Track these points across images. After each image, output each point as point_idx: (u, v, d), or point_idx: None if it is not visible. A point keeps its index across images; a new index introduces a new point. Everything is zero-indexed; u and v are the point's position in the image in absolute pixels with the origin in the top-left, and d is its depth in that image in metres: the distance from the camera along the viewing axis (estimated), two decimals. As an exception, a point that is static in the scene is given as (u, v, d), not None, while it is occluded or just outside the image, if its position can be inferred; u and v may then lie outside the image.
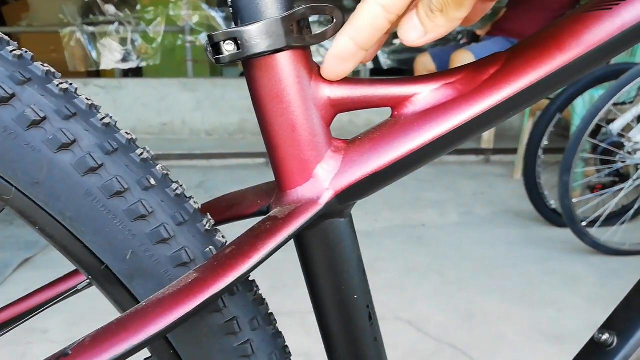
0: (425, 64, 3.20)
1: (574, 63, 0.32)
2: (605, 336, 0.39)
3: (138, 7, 3.94)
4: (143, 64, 3.86)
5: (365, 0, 0.29)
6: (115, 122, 0.34)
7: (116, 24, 3.79)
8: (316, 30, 0.32)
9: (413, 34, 0.30)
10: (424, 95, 0.33)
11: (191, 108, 3.81)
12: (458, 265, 1.92)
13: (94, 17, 3.92)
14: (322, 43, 0.35)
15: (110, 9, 3.95)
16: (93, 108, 0.33)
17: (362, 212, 2.42)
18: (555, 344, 1.45)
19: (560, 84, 0.32)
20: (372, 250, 2.05)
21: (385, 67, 3.96)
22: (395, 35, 3.95)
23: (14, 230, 2.15)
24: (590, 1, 0.33)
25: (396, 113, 0.33)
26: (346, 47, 0.30)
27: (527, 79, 0.32)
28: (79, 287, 0.38)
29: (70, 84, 0.33)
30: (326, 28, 0.31)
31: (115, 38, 3.79)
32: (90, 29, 3.80)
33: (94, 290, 0.36)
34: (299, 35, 0.31)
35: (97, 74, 4.02)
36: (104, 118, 0.33)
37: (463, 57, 2.88)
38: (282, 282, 1.72)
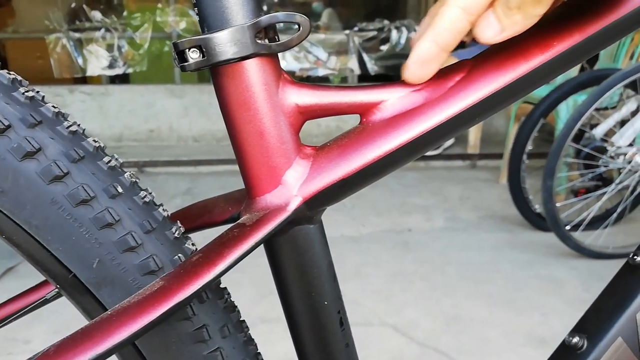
0: None
1: (539, 69, 0.32)
2: (576, 339, 0.39)
3: (125, 13, 3.93)
4: (130, 71, 3.84)
5: (446, 3, 0.29)
6: (83, 130, 0.34)
7: (102, 30, 3.77)
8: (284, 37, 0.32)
9: (489, 31, 0.30)
10: (391, 102, 0.33)
11: (178, 114, 3.79)
12: (444, 270, 1.93)
13: (80, 23, 3.90)
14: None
15: (96, 15, 3.93)
16: (60, 116, 0.33)
17: (348, 218, 2.43)
18: (539, 347, 1.46)
19: (525, 91, 0.33)
20: (359, 256, 2.05)
21: (372, 73, 3.98)
22: (382, 42, 3.97)
23: (-3, 239, 2.12)
24: (555, 10, 0.33)
25: (364, 120, 0.34)
26: (429, 50, 0.30)
27: (492, 85, 0.32)
28: (48, 297, 0.37)
29: (37, 92, 0.33)
30: (292, 36, 0.31)
31: (102, 44, 3.77)
32: (77, 35, 3.77)
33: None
34: (265, 43, 0.31)
35: (84, 80, 3.99)
36: (70, 126, 0.32)
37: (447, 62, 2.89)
38: (268, 288, 1.71)
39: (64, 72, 3.80)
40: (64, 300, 0.40)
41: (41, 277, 0.42)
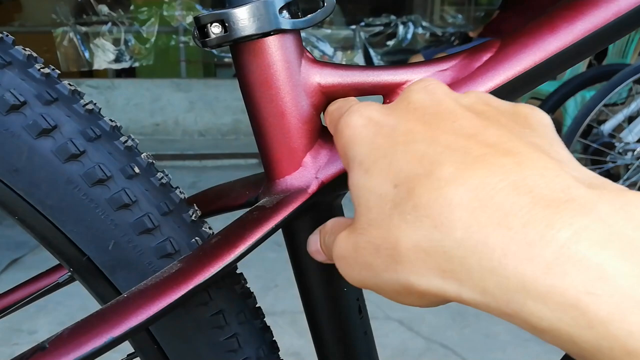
0: None
1: (568, 50, 0.31)
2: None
3: (132, 8, 3.92)
4: (136, 64, 3.84)
5: None
6: (99, 109, 0.33)
7: (109, 24, 3.77)
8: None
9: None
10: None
11: (184, 109, 3.79)
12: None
13: (87, 17, 3.89)
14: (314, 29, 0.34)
15: (103, 9, 3.92)
16: (76, 94, 0.32)
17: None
18: (544, 343, 1.44)
19: (554, 70, 0.32)
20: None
21: (379, 67, 3.97)
22: (388, 37, 3.96)
23: (3, 231, 2.12)
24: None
25: (387, 101, 0.33)
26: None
27: (520, 65, 0.31)
28: (60, 280, 0.37)
29: (53, 69, 0.32)
30: (316, 12, 0.30)
31: (109, 38, 3.77)
32: (83, 29, 3.77)
33: (84, 289, 0.35)
34: (288, 19, 0.30)
35: (90, 74, 3.99)
36: (87, 104, 0.32)
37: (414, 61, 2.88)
38: (274, 282, 1.70)
39: (70, 66, 3.80)
40: (69, 292, 0.39)
41: (44, 269, 0.41)
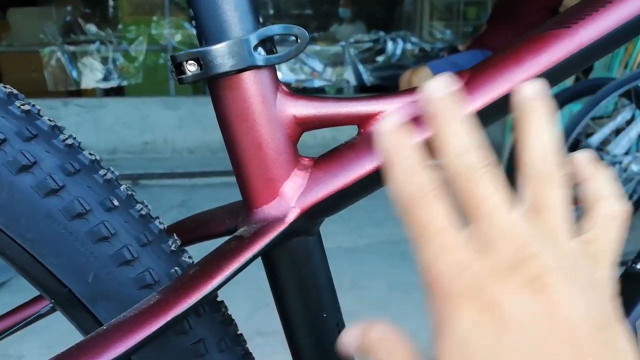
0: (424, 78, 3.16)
1: (538, 77, 0.32)
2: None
3: (120, 26, 3.94)
4: (125, 83, 3.85)
5: None
6: (79, 143, 0.33)
7: (97, 43, 3.78)
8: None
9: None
10: (389, 113, 0.33)
11: (173, 126, 3.79)
12: (441, 280, 1.92)
13: (74, 37, 3.91)
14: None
15: (91, 28, 3.94)
16: (56, 129, 0.32)
17: (345, 228, 2.42)
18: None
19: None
20: (356, 267, 2.04)
21: (368, 84, 4.00)
22: (378, 53, 4.00)
23: (-9, 253, 2.10)
24: (551, 20, 0.34)
25: (362, 131, 0.34)
26: None
27: (488, 95, 0.32)
28: (42, 311, 0.37)
29: (33, 106, 0.33)
30: (290, 48, 0.31)
31: (97, 57, 3.78)
32: (71, 48, 3.78)
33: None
34: (263, 55, 0.31)
35: (78, 93, 3.99)
36: (66, 139, 0.32)
37: (421, 74, 2.88)
38: (265, 301, 1.69)
39: (58, 85, 3.80)
40: (57, 316, 0.39)
41: (35, 292, 0.41)
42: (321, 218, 0.34)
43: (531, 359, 0.20)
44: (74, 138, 0.33)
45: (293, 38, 0.31)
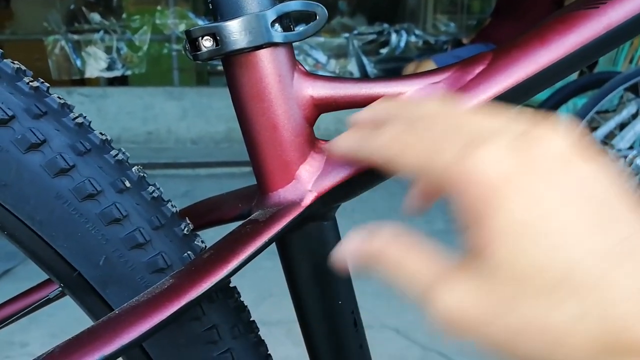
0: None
1: (560, 62, 0.31)
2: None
3: (124, 16, 3.92)
4: (128, 73, 3.83)
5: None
6: (89, 122, 0.33)
7: (101, 32, 3.76)
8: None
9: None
10: (409, 95, 0.32)
11: (177, 117, 3.78)
12: (445, 273, 1.92)
13: (78, 25, 3.88)
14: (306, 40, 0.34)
15: (95, 17, 3.92)
16: (65, 107, 0.31)
17: (349, 221, 2.41)
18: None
19: (547, 83, 0.32)
20: (359, 259, 2.03)
21: (372, 76, 3.98)
22: (382, 45, 3.97)
23: (-6, 241, 2.10)
24: (577, 0, 0.32)
25: (380, 113, 0.32)
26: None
27: (512, 77, 0.31)
28: (51, 295, 0.36)
29: (42, 82, 0.32)
30: (308, 25, 0.30)
31: (101, 46, 3.76)
32: (75, 37, 3.76)
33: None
34: (280, 32, 0.30)
35: (82, 82, 3.98)
36: (76, 117, 0.31)
37: (425, 67, 2.86)
38: (269, 291, 1.69)
39: (62, 74, 3.78)
40: (61, 304, 0.38)
41: (40, 279, 0.40)
42: (337, 202, 0.33)
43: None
44: (85, 117, 0.32)
45: (312, 14, 0.30)
